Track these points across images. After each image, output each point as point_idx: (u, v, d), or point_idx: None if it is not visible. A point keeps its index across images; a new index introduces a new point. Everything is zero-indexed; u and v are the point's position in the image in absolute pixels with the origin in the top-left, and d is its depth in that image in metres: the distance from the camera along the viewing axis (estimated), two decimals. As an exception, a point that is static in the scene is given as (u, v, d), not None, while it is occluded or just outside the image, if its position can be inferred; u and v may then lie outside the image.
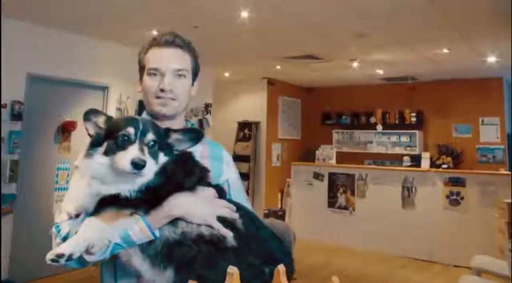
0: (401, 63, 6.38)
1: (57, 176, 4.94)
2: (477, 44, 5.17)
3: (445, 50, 5.45)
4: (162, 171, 1.04)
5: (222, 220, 1.06)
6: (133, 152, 0.99)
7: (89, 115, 1.10)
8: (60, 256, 0.94)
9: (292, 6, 4.00)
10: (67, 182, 4.97)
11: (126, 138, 1.02)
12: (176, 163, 1.08)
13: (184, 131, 1.13)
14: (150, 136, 1.04)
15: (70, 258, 0.95)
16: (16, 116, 4.48)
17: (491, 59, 5.78)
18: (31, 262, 4.56)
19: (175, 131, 1.12)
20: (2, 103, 4.37)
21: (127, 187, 1.00)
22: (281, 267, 0.76)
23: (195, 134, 1.13)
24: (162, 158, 1.06)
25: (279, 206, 8.08)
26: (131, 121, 1.06)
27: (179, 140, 1.11)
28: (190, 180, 1.10)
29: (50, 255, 0.95)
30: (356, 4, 3.89)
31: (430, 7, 3.90)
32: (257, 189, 7.99)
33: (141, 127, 1.04)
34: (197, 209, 1.05)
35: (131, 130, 1.03)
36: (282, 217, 7.29)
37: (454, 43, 5.15)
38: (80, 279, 4.74)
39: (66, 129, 4.98)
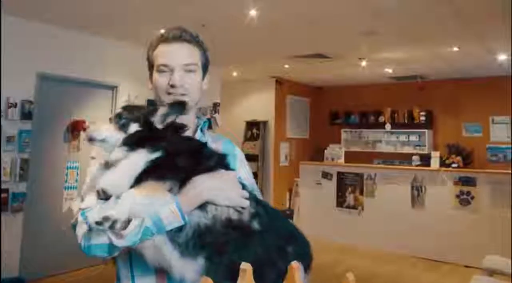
0: (410, 62, 6.34)
1: (66, 175, 4.97)
2: (488, 42, 5.11)
3: (455, 48, 5.40)
4: (129, 136, 1.11)
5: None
6: None
7: None
8: (105, 218, 0.96)
9: (301, 4, 3.98)
10: (76, 181, 5.00)
11: None
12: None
13: (168, 105, 1.16)
14: (117, 111, 1.16)
15: (113, 225, 0.96)
16: (26, 115, 4.51)
17: (502, 57, 5.72)
18: (41, 260, 4.60)
19: (162, 107, 1.15)
20: (12, 102, 4.41)
21: None
22: (295, 264, 0.75)
23: (176, 107, 1.15)
24: (134, 128, 1.11)
25: (288, 205, 8.07)
26: None
27: (164, 115, 1.14)
28: (209, 160, 1.13)
29: (97, 218, 0.97)
30: (366, 2, 3.86)
31: (440, 4, 3.86)
32: (265, 189, 7.98)
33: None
34: (224, 190, 1.06)
35: None
36: (290, 216, 7.28)
37: (464, 41, 5.10)
38: (91, 276, 4.77)
39: (75, 128, 5.00)
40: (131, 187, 1.01)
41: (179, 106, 1.14)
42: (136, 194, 1.00)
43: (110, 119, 1.13)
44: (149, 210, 0.99)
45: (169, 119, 1.12)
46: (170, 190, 1.02)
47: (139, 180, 1.02)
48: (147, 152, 1.05)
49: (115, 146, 1.08)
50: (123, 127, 1.10)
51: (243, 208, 1.06)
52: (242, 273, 0.71)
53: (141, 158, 1.04)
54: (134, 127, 1.10)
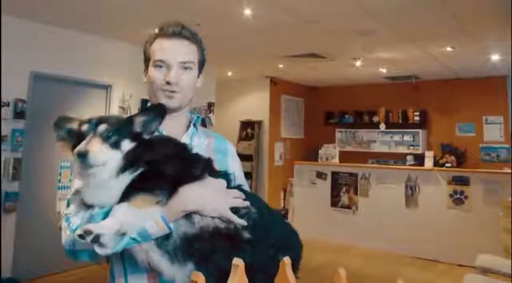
0: (404, 62, 6.36)
1: (60, 174, 4.94)
2: (482, 42, 5.13)
3: (449, 49, 5.42)
4: (128, 156, 1.03)
5: (235, 210, 1.06)
6: (80, 146, 0.99)
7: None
8: (87, 232, 0.93)
9: (296, 3, 3.98)
10: (70, 180, 4.96)
11: (82, 136, 1.03)
12: (156, 146, 1.07)
13: (144, 110, 1.10)
14: (103, 127, 1.03)
15: (96, 238, 0.93)
16: (19, 114, 4.48)
17: (496, 57, 5.75)
18: (34, 260, 4.57)
19: (137, 114, 1.09)
20: (4, 101, 4.38)
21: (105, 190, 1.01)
22: (286, 259, 0.75)
23: (157, 111, 1.10)
24: (128, 145, 1.03)
25: (282, 205, 8.07)
26: (87, 120, 1.07)
27: (145, 121, 1.07)
28: (196, 167, 1.09)
29: (79, 231, 0.94)
30: (361, 2, 3.87)
31: (435, 5, 3.88)
32: (260, 189, 7.98)
33: (94, 121, 1.05)
34: (210, 202, 1.04)
35: (84, 127, 1.04)
36: (285, 216, 7.27)
37: (458, 41, 5.12)
38: (85, 276, 4.74)
39: (69, 128, 4.96)
40: (120, 200, 0.99)
41: (159, 110, 1.10)
42: (127, 209, 0.98)
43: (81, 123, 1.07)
44: (137, 224, 0.98)
45: (153, 126, 1.08)
46: (158, 202, 1.01)
47: (128, 193, 1.00)
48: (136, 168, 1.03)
49: (114, 168, 1.01)
50: (115, 145, 1.03)
51: (235, 211, 1.06)
52: (234, 268, 0.71)
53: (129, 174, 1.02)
54: (127, 144, 1.04)
